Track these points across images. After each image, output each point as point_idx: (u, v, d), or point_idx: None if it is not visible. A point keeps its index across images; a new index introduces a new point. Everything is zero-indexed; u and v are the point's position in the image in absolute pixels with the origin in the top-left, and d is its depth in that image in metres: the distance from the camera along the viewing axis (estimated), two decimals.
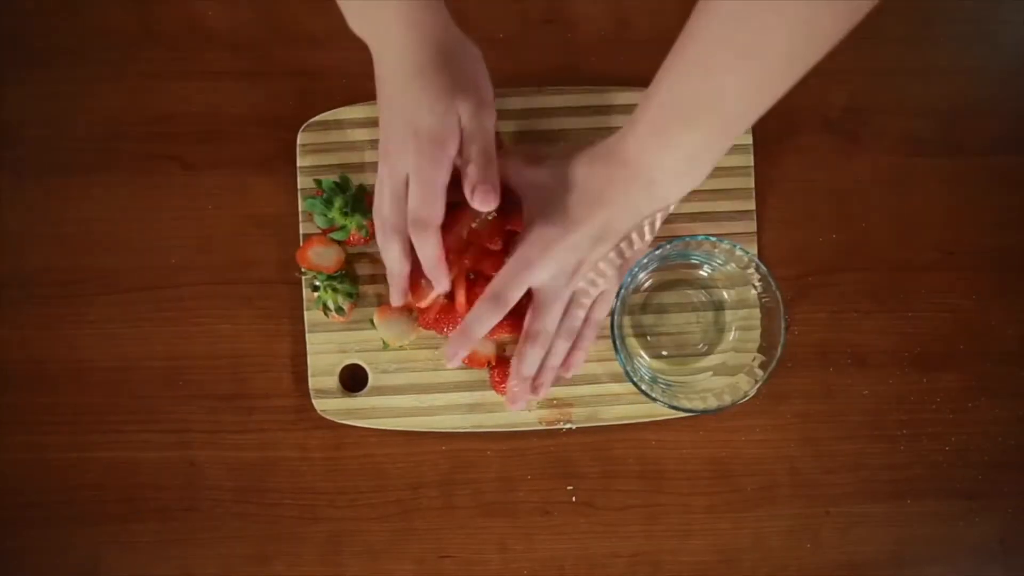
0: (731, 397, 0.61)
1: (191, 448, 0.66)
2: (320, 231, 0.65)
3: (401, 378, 0.65)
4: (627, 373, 0.60)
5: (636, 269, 0.61)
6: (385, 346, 0.64)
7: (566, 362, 0.61)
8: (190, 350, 0.66)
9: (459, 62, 0.55)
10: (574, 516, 0.67)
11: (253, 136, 0.67)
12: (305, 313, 0.65)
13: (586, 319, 0.60)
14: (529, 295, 0.58)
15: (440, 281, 0.57)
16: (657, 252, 0.61)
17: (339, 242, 0.64)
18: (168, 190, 0.66)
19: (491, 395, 0.65)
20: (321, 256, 0.64)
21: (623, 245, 0.57)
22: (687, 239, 0.60)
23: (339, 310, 0.64)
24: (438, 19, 0.54)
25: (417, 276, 0.59)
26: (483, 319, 0.56)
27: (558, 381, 0.62)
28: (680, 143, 0.51)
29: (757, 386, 0.60)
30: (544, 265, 0.56)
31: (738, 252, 0.60)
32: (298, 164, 0.66)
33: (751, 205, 0.66)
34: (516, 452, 0.66)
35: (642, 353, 0.66)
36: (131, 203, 0.66)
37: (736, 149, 0.66)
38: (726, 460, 0.67)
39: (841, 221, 0.67)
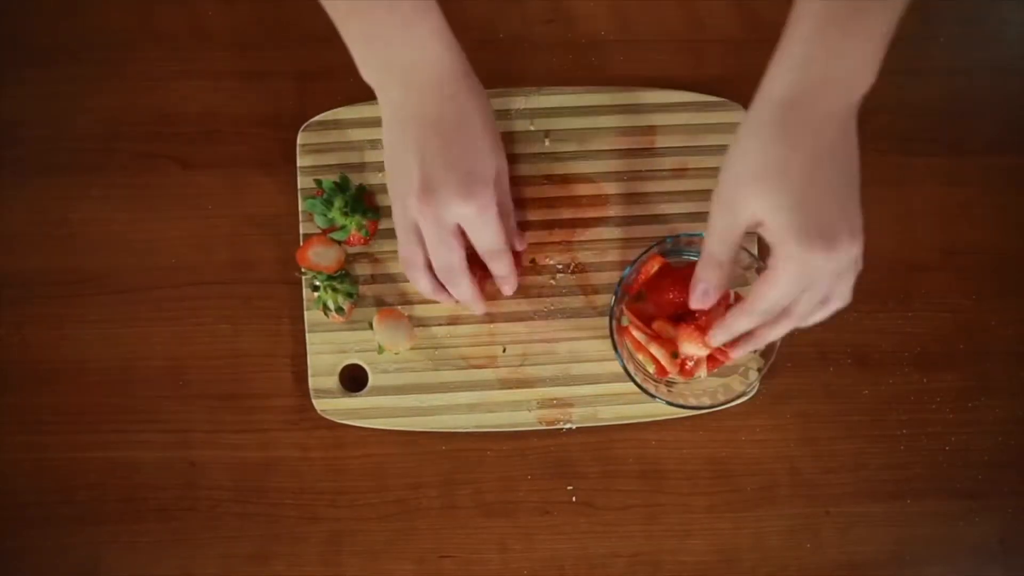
0: (730, 395, 0.61)
1: (191, 448, 0.66)
2: (320, 231, 0.65)
3: (401, 378, 0.65)
4: (627, 372, 0.60)
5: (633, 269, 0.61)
6: (381, 350, 0.64)
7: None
8: (190, 350, 0.66)
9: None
10: (574, 516, 0.66)
11: (253, 136, 0.67)
12: (305, 313, 0.65)
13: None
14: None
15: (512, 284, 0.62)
16: (655, 249, 0.61)
17: (339, 242, 0.65)
18: (168, 190, 0.66)
19: (491, 395, 0.65)
20: (321, 256, 0.64)
21: None
22: (682, 236, 0.61)
23: (339, 310, 0.64)
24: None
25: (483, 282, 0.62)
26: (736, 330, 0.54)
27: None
28: (872, 30, 0.46)
29: (755, 384, 0.60)
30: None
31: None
32: (298, 164, 0.66)
33: None
34: (516, 452, 0.66)
35: None
36: (131, 203, 0.66)
37: None
38: (726, 460, 0.67)
39: None
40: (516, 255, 0.63)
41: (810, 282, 0.49)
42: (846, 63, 0.47)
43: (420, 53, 0.53)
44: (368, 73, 0.54)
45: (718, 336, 0.55)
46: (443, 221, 0.55)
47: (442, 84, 0.53)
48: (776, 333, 0.53)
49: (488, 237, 0.56)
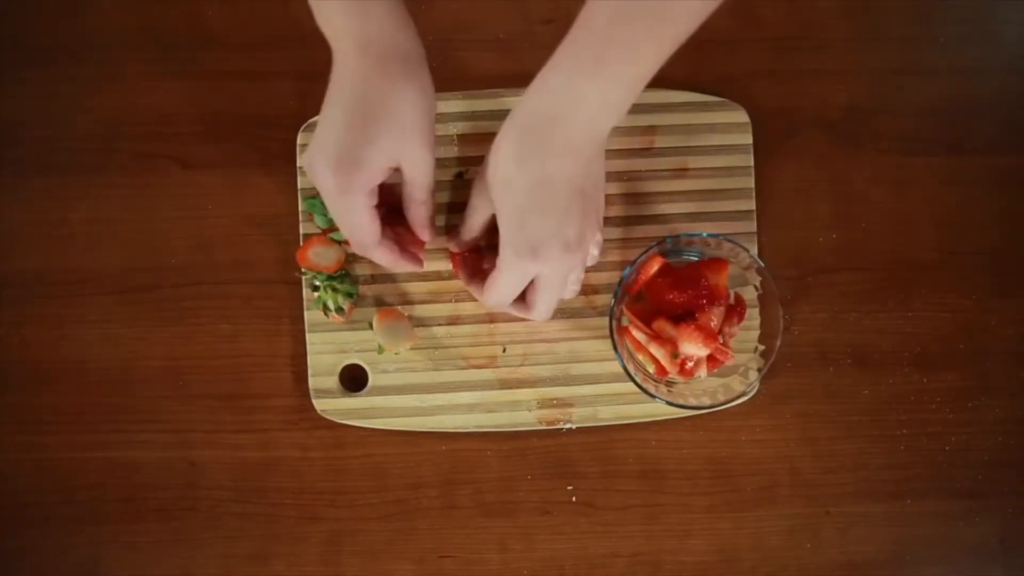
0: (730, 395, 0.61)
1: (191, 448, 0.66)
2: (320, 231, 0.65)
3: (401, 378, 0.65)
4: (627, 372, 0.60)
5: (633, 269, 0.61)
6: (381, 350, 0.64)
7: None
8: (190, 350, 0.66)
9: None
10: (574, 516, 0.66)
11: (253, 136, 0.67)
12: (305, 313, 0.65)
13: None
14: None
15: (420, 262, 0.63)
16: (655, 249, 0.61)
17: (339, 242, 0.64)
18: (167, 190, 0.66)
19: (491, 395, 0.65)
20: (321, 256, 0.64)
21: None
22: (682, 236, 0.61)
23: (339, 310, 0.64)
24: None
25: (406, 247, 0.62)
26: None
27: None
28: (619, 77, 0.49)
29: (755, 384, 0.60)
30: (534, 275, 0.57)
31: (728, 244, 0.60)
32: (298, 164, 0.66)
33: (751, 205, 0.66)
34: (516, 452, 0.66)
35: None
36: (131, 203, 0.66)
37: (736, 149, 0.66)
38: (726, 460, 0.67)
39: (841, 221, 0.67)
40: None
41: (527, 281, 0.57)
42: (587, 104, 0.50)
43: (374, 25, 0.52)
44: (326, 30, 0.53)
45: (481, 297, 0.61)
46: (323, 193, 0.55)
47: (377, 60, 0.52)
48: (523, 315, 0.61)
49: (345, 224, 0.56)
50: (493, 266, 0.58)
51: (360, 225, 0.56)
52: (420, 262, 0.62)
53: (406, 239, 0.61)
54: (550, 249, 0.54)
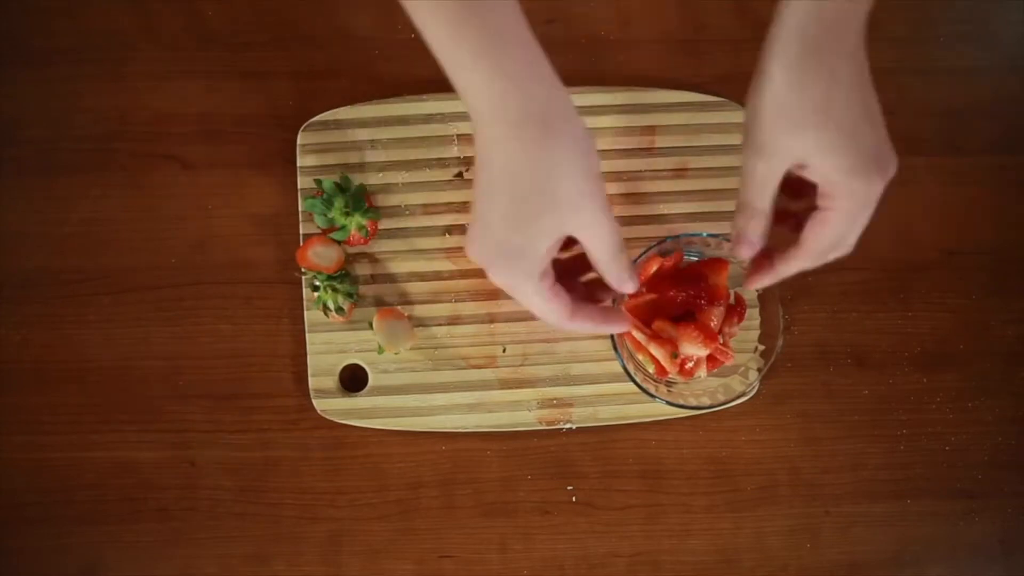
0: (730, 395, 0.61)
1: (191, 448, 0.66)
2: (320, 231, 0.65)
3: (401, 378, 0.65)
4: (627, 372, 0.60)
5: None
6: (381, 350, 0.64)
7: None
8: (190, 350, 0.66)
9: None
10: (574, 516, 0.66)
11: (253, 136, 0.67)
12: (305, 313, 0.65)
13: None
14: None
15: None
16: (655, 249, 0.61)
17: (339, 242, 0.64)
18: (168, 190, 0.66)
19: (491, 395, 0.65)
20: (321, 256, 0.64)
21: None
22: (682, 236, 0.61)
23: (339, 310, 0.64)
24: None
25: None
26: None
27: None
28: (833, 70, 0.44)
29: (755, 384, 0.60)
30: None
31: (728, 244, 0.60)
32: (298, 164, 0.66)
33: None
34: (516, 452, 0.66)
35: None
36: (131, 203, 0.66)
37: (736, 149, 0.66)
38: (726, 460, 0.67)
39: None
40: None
41: (867, 212, 0.49)
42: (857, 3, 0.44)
43: (500, 83, 0.45)
44: (457, 89, 0.46)
45: (764, 280, 0.53)
46: (496, 284, 0.49)
47: (511, 129, 0.45)
48: (818, 263, 0.52)
49: (531, 310, 0.49)
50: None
51: (544, 311, 0.49)
52: (626, 320, 0.55)
53: (602, 288, 0.53)
54: (890, 157, 0.47)
